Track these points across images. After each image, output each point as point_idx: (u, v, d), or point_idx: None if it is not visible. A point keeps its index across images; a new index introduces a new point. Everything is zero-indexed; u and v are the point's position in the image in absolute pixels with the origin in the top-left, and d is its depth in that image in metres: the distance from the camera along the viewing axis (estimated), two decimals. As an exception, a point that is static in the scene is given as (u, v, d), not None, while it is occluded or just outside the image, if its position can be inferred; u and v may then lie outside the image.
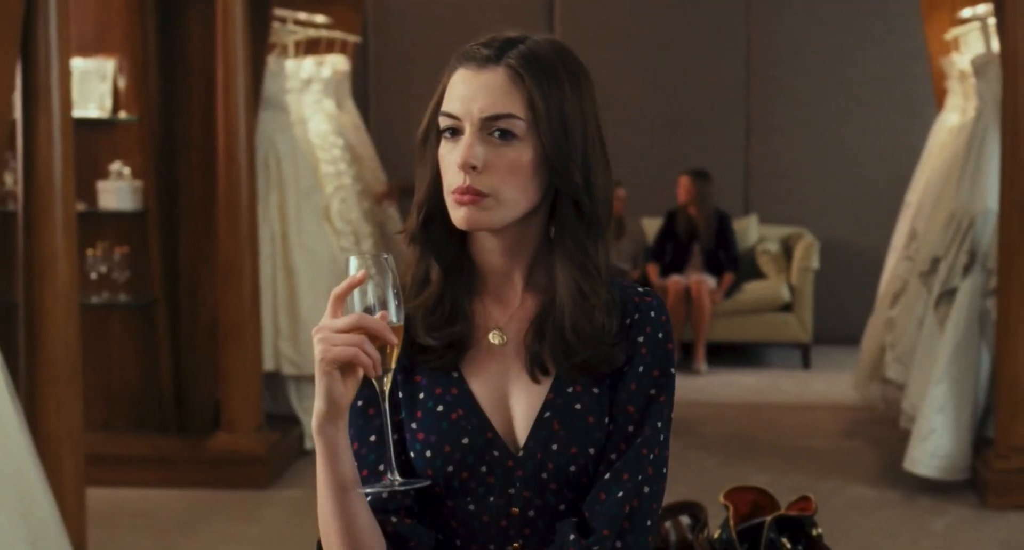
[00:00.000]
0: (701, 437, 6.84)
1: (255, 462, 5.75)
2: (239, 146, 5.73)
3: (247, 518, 5.31)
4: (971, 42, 6.80)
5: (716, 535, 2.41)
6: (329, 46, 7.64)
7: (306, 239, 6.51)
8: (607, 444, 1.79)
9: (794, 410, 7.52)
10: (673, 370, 1.84)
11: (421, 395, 1.81)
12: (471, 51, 1.79)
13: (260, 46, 6.00)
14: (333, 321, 1.64)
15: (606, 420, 1.79)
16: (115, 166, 5.94)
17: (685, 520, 2.56)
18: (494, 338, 1.83)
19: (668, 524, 2.56)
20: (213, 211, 5.87)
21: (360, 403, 1.81)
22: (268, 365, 6.35)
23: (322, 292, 6.50)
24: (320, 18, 7.29)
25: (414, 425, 1.80)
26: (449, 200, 1.76)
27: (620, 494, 1.76)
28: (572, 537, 1.75)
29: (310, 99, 7.27)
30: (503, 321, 1.83)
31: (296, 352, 6.44)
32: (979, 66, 6.16)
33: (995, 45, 6.08)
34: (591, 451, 1.78)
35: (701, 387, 8.26)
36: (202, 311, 6.02)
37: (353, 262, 1.66)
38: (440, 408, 1.79)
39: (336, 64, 7.64)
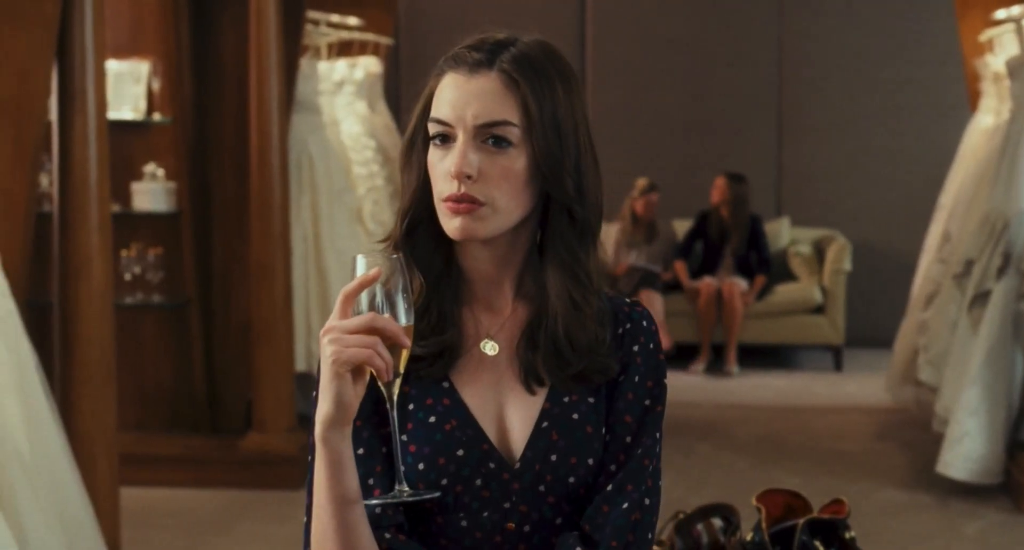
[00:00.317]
0: (732, 439, 6.83)
1: (287, 462, 5.76)
2: (272, 148, 5.75)
3: (279, 518, 5.33)
4: (1005, 43, 6.77)
5: (748, 538, 2.41)
6: (361, 48, 7.67)
7: (338, 240, 6.53)
8: (605, 455, 1.75)
9: (826, 413, 7.49)
10: (665, 381, 1.81)
11: (411, 406, 1.74)
12: (461, 55, 1.73)
13: (293, 48, 6.02)
14: (344, 321, 1.57)
15: (603, 431, 1.75)
16: (149, 168, 5.98)
17: (717, 522, 2.56)
18: (487, 347, 1.77)
19: (700, 526, 2.56)
20: (246, 212, 5.90)
21: None
22: (300, 365, 6.38)
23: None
24: (353, 20, 7.31)
25: (405, 437, 1.72)
26: (441, 209, 1.70)
27: (625, 506, 1.72)
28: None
29: (342, 101, 7.30)
30: (494, 330, 1.78)
31: (328, 353, 6.45)
32: (1014, 68, 6.13)
33: (1029, 47, 6.05)
34: (590, 462, 1.73)
35: (732, 389, 8.25)
36: (235, 312, 6.05)
37: (361, 260, 1.60)
38: (432, 419, 1.73)
39: (368, 66, 7.66)
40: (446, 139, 1.71)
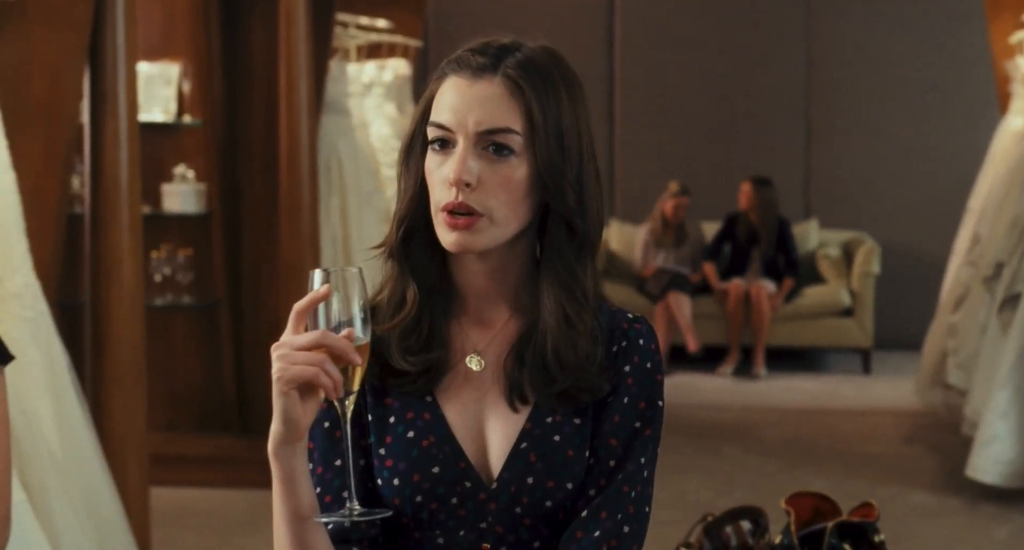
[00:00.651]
0: (761, 442, 6.81)
1: (316, 463, 5.77)
2: (301, 149, 5.77)
3: (308, 519, 5.34)
4: (1036, 46, 6.74)
5: (777, 541, 2.41)
6: (390, 50, 7.69)
7: (367, 241, 6.53)
8: (587, 479, 1.67)
9: (854, 415, 7.47)
10: (661, 403, 1.71)
11: (392, 419, 1.69)
12: (464, 58, 1.67)
13: (322, 50, 6.04)
14: (294, 337, 1.54)
15: (587, 454, 1.67)
16: (179, 169, 6.01)
17: (746, 525, 2.56)
18: (472, 363, 1.71)
19: (729, 529, 2.56)
20: (275, 214, 5.92)
21: (327, 424, 1.70)
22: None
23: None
24: (382, 23, 7.33)
25: (382, 451, 1.68)
26: (438, 219, 1.65)
27: (597, 534, 1.64)
28: None
29: (372, 103, 7.32)
30: (482, 345, 1.72)
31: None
32: (1044, 70, 6.11)
33: (1060, 49, 6.02)
34: (569, 486, 1.66)
35: (760, 392, 8.23)
36: (264, 312, 6.07)
37: (317, 275, 1.55)
38: (411, 434, 1.68)
39: (397, 68, 7.68)
40: (445, 144, 1.65)
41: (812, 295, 8.95)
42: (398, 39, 7.66)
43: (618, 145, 9.92)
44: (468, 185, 1.61)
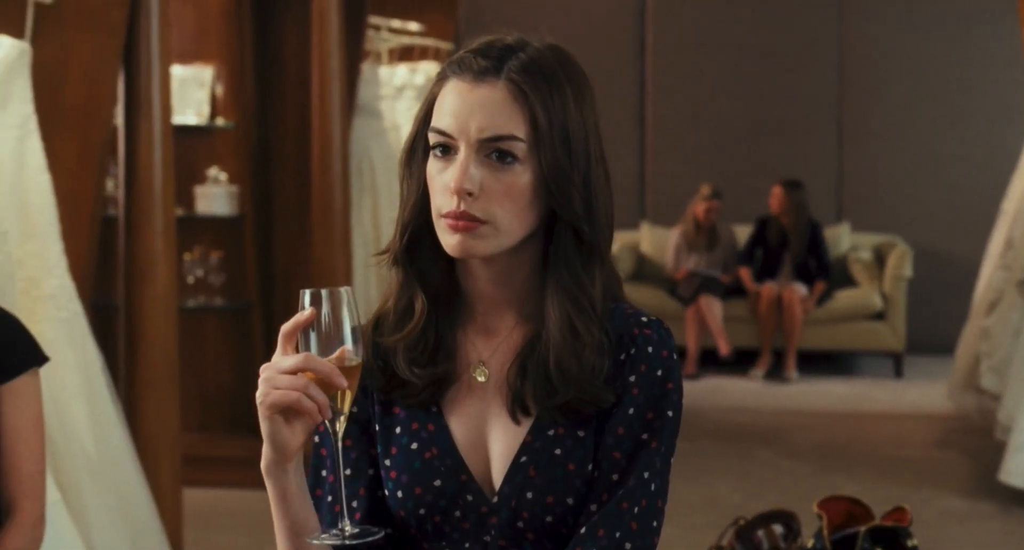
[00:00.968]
0: (792, 445, 6.79)
1: (347, 465, 5.79)
2: (333, 152, 5.79)
3: (339, 520, 5.35)
4: (1070, 48, 6.70)
5: (809, 545, 2.40)
6: (422, 53, 7.70)
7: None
8: (589, 494, 1.61)
9: (886, 419, 7.44)
10: (671, 413, 1.63)
11: (397, 429, 1.67)
12: (466, 60, 1.61)
13: (355, 53, 6.07)
14: (279, 361, 1.51)
15: (590, 467, 1.62)
16: (212, 172, 6.04)
17: (778, 529, 2.56)
18: (476, 373, 1.67)
19: (761, 533, 2.56)
20: (307, 216, 5.94)
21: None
22: (361, 369, 6.41)
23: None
24: (413, 26, 7.34)
25: (388, 462, 1.66)
26: (440, 225, 1.60)
27: None
28: None
29: (403, 106, 7.33)
30: (487, 354, 1.67)
31: (388, 356, 6.50)
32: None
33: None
34: (569, 501, 1.61)
35: (792, 395, 8.21)
36: (296, 314, 6.09)
37: (306, 296, 1.53)
38: (414, 445, 1.65)
39: (429, 71, 7.69)
40: (447, 150, 1.60)
41: (844, 298, 8.92)
42: (430, 42, 7.67)
43: (650, 148, 9.91)
44: (470, 194, 1.56)
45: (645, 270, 9.39)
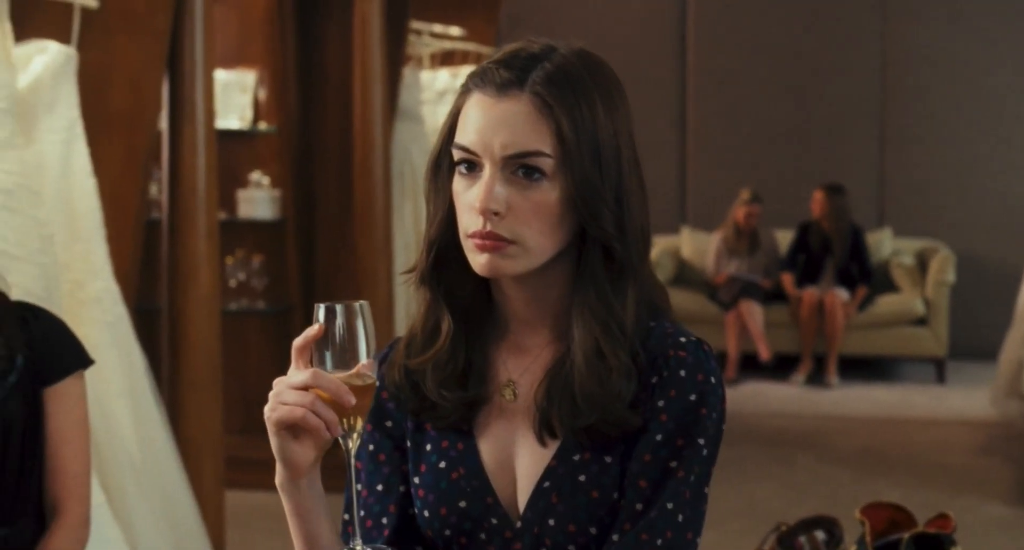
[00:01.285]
0: (833, 451, 6.77)
1: (387, 468, 5.80)
2: (375, 156, 5.81)
3: (379, 523, 5.37)
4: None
5: (852, 551, 2.39)
6: (463, 58, 7.71)
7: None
8: (614, 523, 1.53)
9: (928, 426, 7.40)
10: (703, 440, 1.53)
11: (428, 447, 1.62)
12: (488, 72, 1.53)
13: (396, 58, 6.09)
14: (289, 376, 1.47)
15: (615, 495, 1.53)
16: (254, 176, 6.07)
17: (820, 535, 2.55)
18: (506, 392, 1.60)
19: (803, 539, 2.55)
20: (349, 220, 5.96)
21: (371, 447, 1.65)
22: (401, 373, 6.42)
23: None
24: (455, 30, 7.36)
25: (417, 480, 1.62)
26: (467, 244, 1.53)
27: None
28: None
29: (444, 110, 7.33)
30: (517, 373, 1.60)
31: (428, 360, 6.51)
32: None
33: None
34: (592, 530, 1.53)
35: (833, 401, 8.17)
36: (337, 318, 6.11)
37: (320, 310, 1.48)
38: (442, 465, 1.60)
39: (470, 76, 7.72)
40: (472, 167, 1.53)
41: (886, 304, 8.88)
42: (471, 46, 7.68)
43: (690, 152, 9.89)
44: (496, 213, 1.49)
45: (686, 275, 9.38)
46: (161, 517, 3.82)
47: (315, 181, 6.16)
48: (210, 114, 4.40)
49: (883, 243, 9.31)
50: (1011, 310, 7.88)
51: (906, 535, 2.31)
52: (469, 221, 1.52)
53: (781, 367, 8.82)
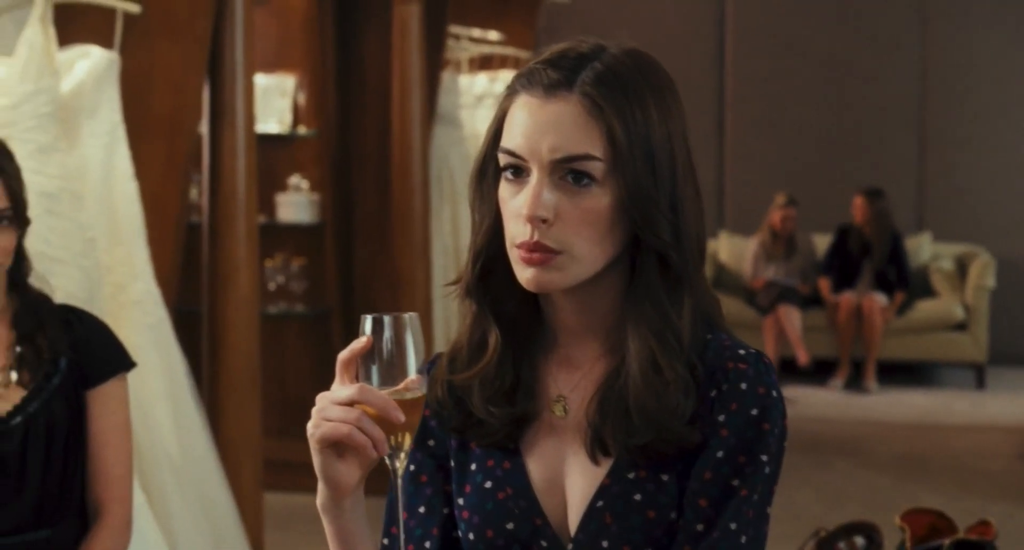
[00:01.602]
0: (872, 456, 6.74)
1: (425, 471, 5.81)
2: (413, 160, 5.82)
3: (417, 526, 5.38)
4: None
5: (892, 557, 2.39)
6: (501, 62, 7.72)
7: (479, 252, 6.59)
8: (671, 544, 1.44)
9: (968, 431, 7.36)
10: (766, 457, 1.45)
11: (473, 466, 1.54)
12: (535, 73, 1.46)
13: (435, 62, 6.10)
14: (333, 391, 1.41)
15: (673, 515, 1.45)
16: (293, 179, 6.09)
17: (859, 541, 2.54)
18: (556, 408, 1.52)
19: (842, 545, 2.54)
20: (388, 224, 5.98)
21: (412, 468, 1.57)
22: (439, 376, 6.44)
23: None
24: (493, 35, 7.37)
25: (461, 501, 1.54)
26: (514, 255, 1.45)
27: None
28: None
29: (483, 114, 7.36)
30: (567, 388, 1.52)
31: (466, 364, 6.52)
32: None
33: None
34: None
35: (871, 406, 8.14)
36: (375, 322, 6.13)
37: (367, 322, 1.42)
38: (488, 484, 1.51)
39: (508, 80, 7.72)
40: (519, 172, 1.45)
41: (925, 309, 8.84)
42: (509, 51, 7.69)
43: (728, 157, 9.87)
44: (544, 221, 1.42)
45: (723, 279, 9.36)
46: (200, 518, 3.84)
47: (354, 185, 6.18)
48: (250, 118, 4.42)
49: (922, 248, 9.26)
50: (1052, 316, 7.84)
51: (947, 542, 2.30)
52: (516, 230, 1.45)
53: (819, 372, 8.79)
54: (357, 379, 1.41)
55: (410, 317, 1.40)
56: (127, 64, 3.89)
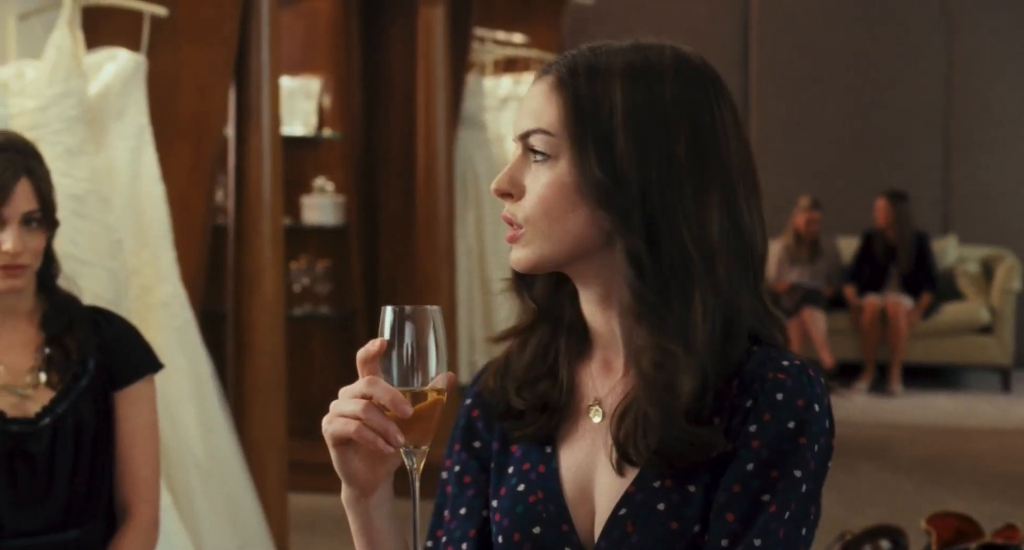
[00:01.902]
0: (897, 460, 6.72)
1: (448, 473, 5.82)
2: (438, 163, 5.83)
3: (441, 528, 5.38)
4: None
5: (918, 560, 2.38)
6: (526, 64, 7.73)
7: (503, 254, 6.59)
8: None
9: (993, 435, 7.33)
10: (799, 473, 1.36)
11: (510, 469, 1.50)
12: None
13: (460, 65, 6.11)
14: (348, 386, 1.37)
15: (697, 528, 1.37)
16: (319, 182, 6.11)
17: (885, 545, 2.54)
18: (593, 413, 1.47)
19: (867, 548, 2.54)
20: (412, 226, 5.99)
21: (457, 469, 1.54)
22: (463, 378, 6.45)
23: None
24: (518, 37, 7.38)
25: (495, 503, 1.49)
26: None
27: None
28: None
29: (507, 117, 7.36)
30: (604, 392, 1.47)
31: (490, 366, 6.53)
32: None
33: None
34: None
35: (896, 409, 8.12)
36: (400, 324, 6.14)
37: (388, 314, 1.37)
38: (521, 487, 1.47)
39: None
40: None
41: (950, 312, 8.81)
42: (534, 53, 7.70)
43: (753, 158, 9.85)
44: (506, 195, 1.42)
45: (747, 281, 9.34)
46: (226, 519, 3.85)
47: (379, 187, 6.19)
48: (276, 121, 4.44)
49: (948, 250, 9.23)
50: (1078, 319, 7.81)
51: (973, 546, 2.30)
52: None
53: (844, 375, 8.77)
54: (379, 374, 1.37)
55: (432, 311, 1.36)
56: (154, 67, 3.91)
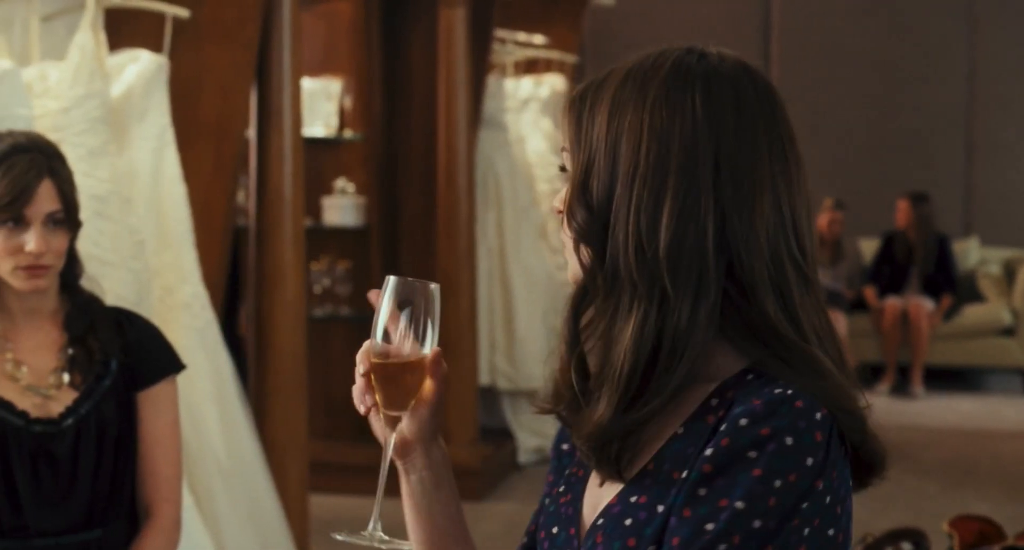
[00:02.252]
0: (918, 462, 6.70)
1: (470, 475, 5.83)
2: (459, 164, 5.84)
3: (461, 529, 5.38)
4: None
5: (940, 563, 2.38)
6: (547, 66, 7.73)
7: (523, 256, 6.60)
8: None
9: (1016, 437, 7.30)
10: (742, 504, 1.24)
11: (567, 471, 1.50)
12: None
13: (481, 66, 6.12)
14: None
15: (651, 548, 1.30)
16: (339, 183, 6.12)
17: (907, 547, 2.53)
18: None
19: (889, 550, 2.53)
20: (433, 227, 6.00)
21: (564, 447, 1.53)
22: (484, 379, 6.45)
23: (537, 309, 6.57)
24: (538, 39, 7.38)
25: (546, 501, 1.51)
26: None
27: None
28: None
29: (528, 118, 7.37)
30: None
31: (511, 367, 6.53)
32: None
33: None
34: None
35: (918, 411, 8.09)
36: (420, 325, 6.15)
37: (391, 282, 1.42)
38: (561, 488, 1.48)
39: (554, 84, 7.72)
40: None
41: (972, 314, 8.78)
42: (554, 55, 7.70)
43: (774, 160, 9.84)
44: (560, 212, 1.40)
45: (768, 283, 9.33)
46: (247, 520, 3.86)
47: (399, 188, 6.20)
48: (297, 122, 4.44)
49: (970, 252, 9.20)
50: (1101, 321, 7.77)
51: (995, 548, 2.29)
52: None
53: (865, 377, 8.75)
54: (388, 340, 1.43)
55: (434, 286, 1.41)
56: (176, 68, 3.92)
